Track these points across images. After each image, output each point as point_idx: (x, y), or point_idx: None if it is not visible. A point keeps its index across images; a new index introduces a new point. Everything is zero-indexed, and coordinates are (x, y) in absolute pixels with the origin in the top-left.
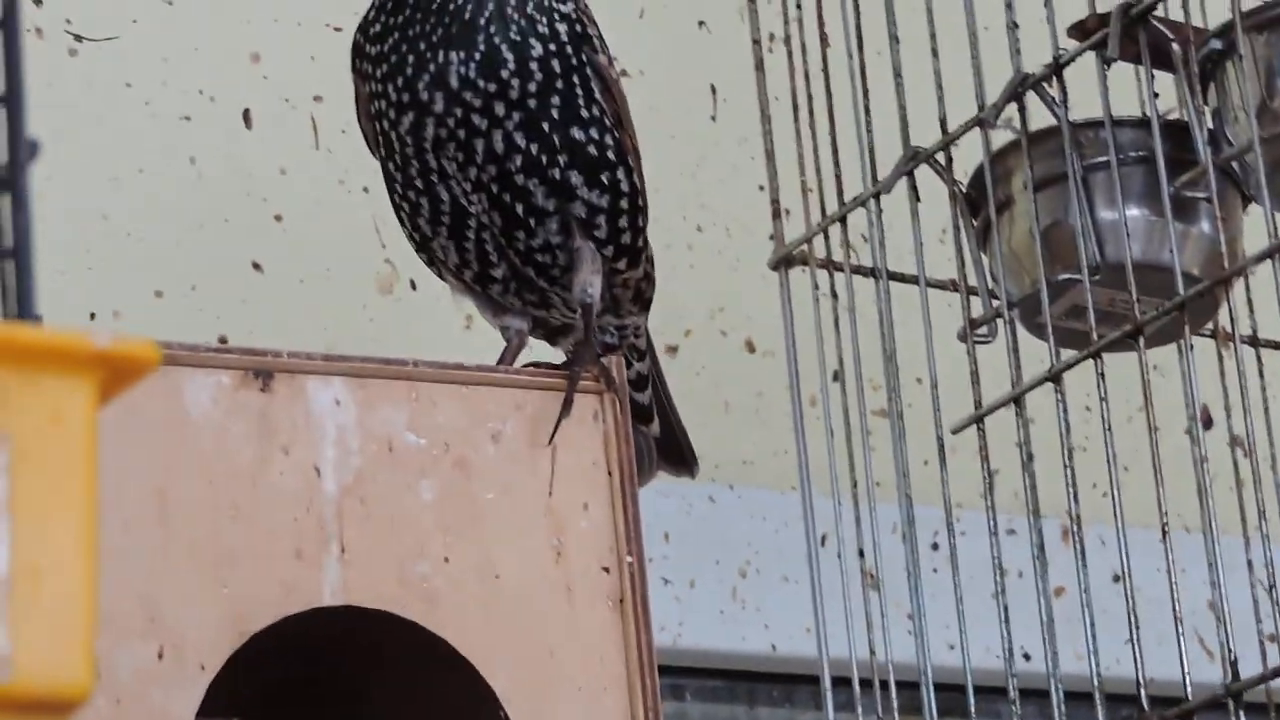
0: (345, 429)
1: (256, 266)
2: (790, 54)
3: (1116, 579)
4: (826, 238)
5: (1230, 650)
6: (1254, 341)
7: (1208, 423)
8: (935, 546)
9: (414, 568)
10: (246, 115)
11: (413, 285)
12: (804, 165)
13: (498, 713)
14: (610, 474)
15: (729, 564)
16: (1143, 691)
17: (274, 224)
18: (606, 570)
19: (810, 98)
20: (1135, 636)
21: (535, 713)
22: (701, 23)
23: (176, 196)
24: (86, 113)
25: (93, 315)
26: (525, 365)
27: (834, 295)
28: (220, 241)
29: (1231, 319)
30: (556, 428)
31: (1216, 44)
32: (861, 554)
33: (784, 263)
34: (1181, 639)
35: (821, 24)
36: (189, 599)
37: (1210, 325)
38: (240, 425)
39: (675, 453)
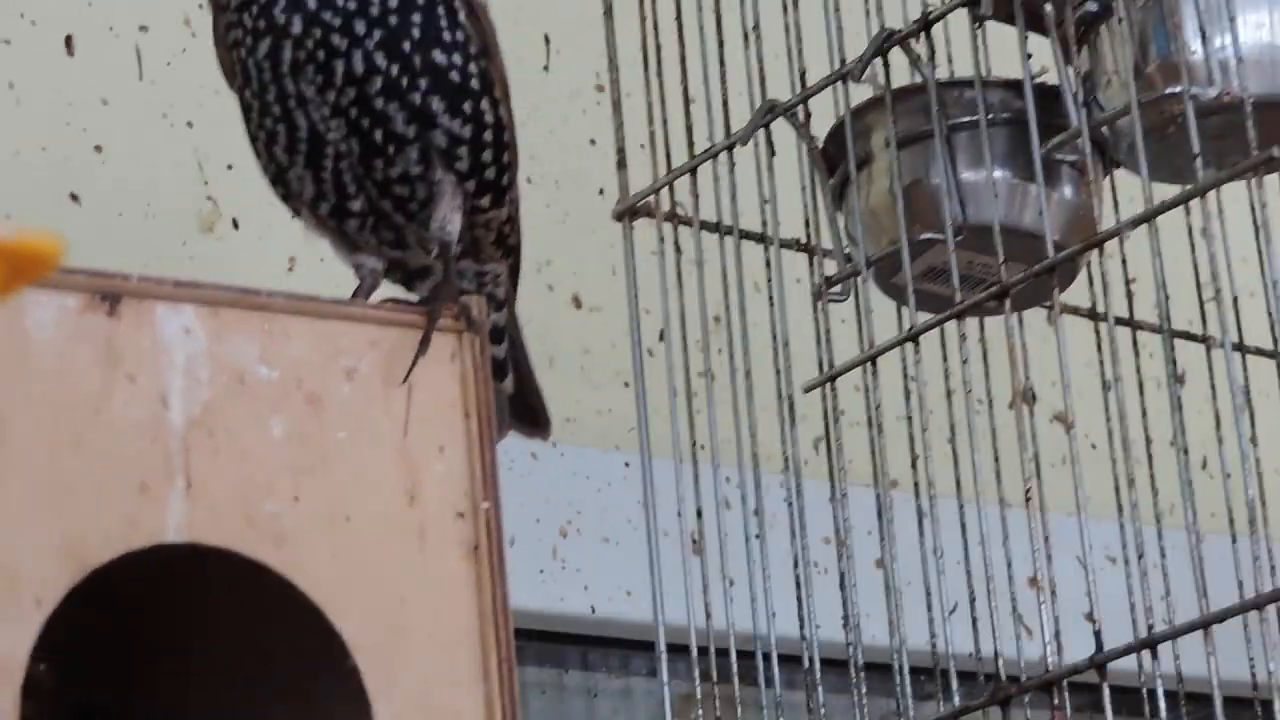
0: (195, 358)
1: (74, 198)
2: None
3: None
4: (672, 191)
5: (1096, 622)
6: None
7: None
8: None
9: (262, 506)
10: (69, 41)
11: (235, 224)
12: (652, 115)
13: (345, 661)
14: (467, 416)
15: (550, 523)
16: (1000, 663)
17: (94, 155)
18: (461, 516)
19: (659, 47)
20: (992, 610)
21: (384, 660)
22: None
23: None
24: None
25: None
26: (383, 301)
27: (678, 250)
28: (37, 170)
29: (1105, 287)
30: (413, 366)
31: (1093, 6)
32: (700, 514)
33: (628, 214)
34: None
35: None
36: (25, 530)
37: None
38: (85, 350)
39: (529, 412)
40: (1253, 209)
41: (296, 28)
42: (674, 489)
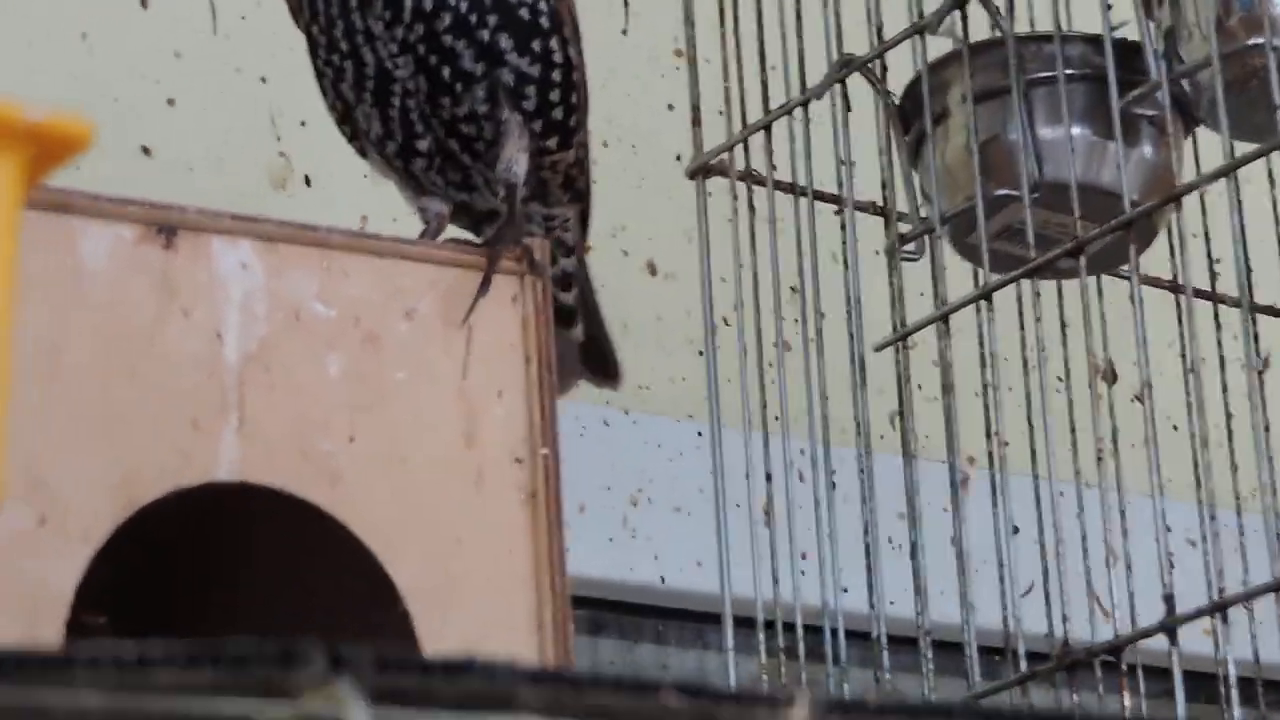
0: (251, 294)
1: (145, 150)
2: None
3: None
4: (747, 149)
5: (1167, 585)
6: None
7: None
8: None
9: (317, 444)
10: None
11: (307, 181)
12: (728, 73)
13: (396, 605)
14: (528, 360)
15: (620, 491)
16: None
17: (166, 108)
18: (519, 461)
19: (736, 5)
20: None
21: (437, 606)
22: None
23: (65, 72)
24: None
25: None
26: (444, 241)
27: (751, 209)
28: (109, 122)
29: (1183, 252)
30: (473, 307)
31: None
32: (769, 478)
33: (701, 172)
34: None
35: None
36: (75, 464)
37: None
38: (139, 282)
39: (599, 360)
40: None
41: None
42: (743, 459)
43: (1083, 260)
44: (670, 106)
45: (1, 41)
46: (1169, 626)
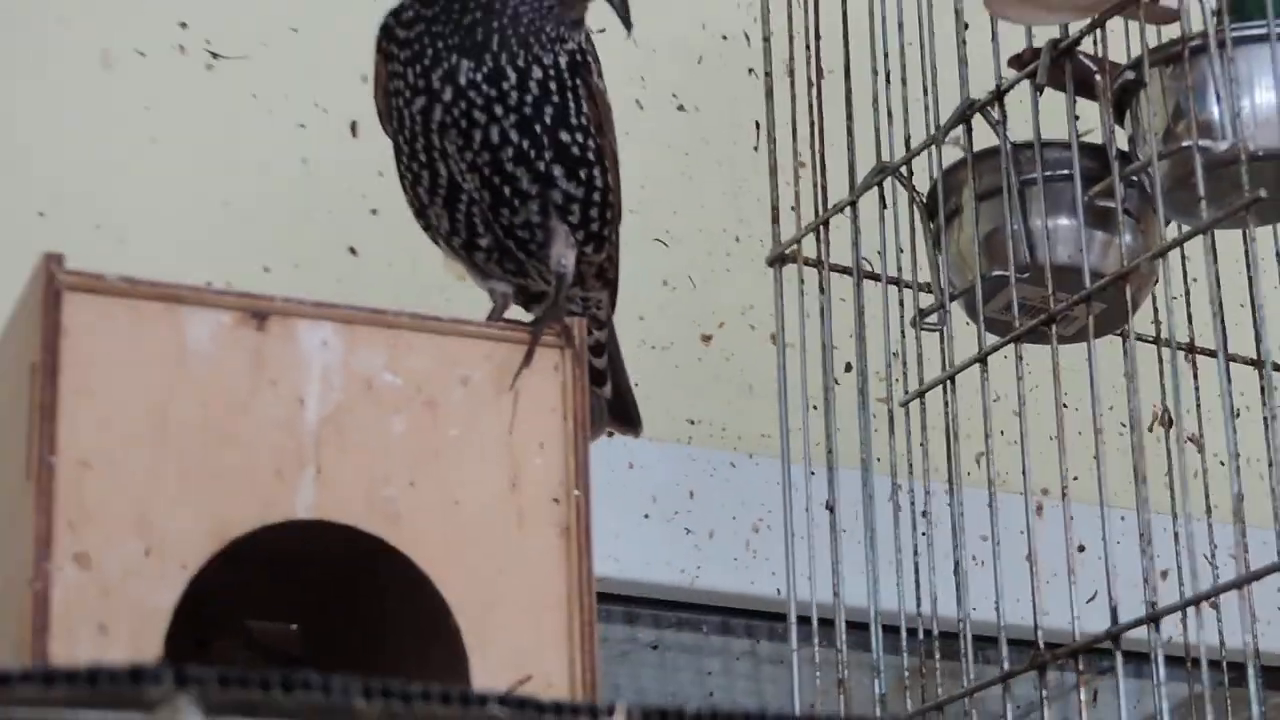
0: (330, 367)
1: (353, 251)
2: (793, 85)
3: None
4: (818, 239)
5: (1112, 599)
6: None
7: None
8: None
9: (381, 491)
10: (354, 126)
11: None
12: (799, 178)
13: (448, 622)
14: (565, 419)
15: (744, 520)
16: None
17: (370, 216)
18: (556, 501)
19: (811, 123)
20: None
21: (482, 623)
22: (750, 69)
23: (289, 190)
24: (218, 117)
25: (209, 283)
26: (496, 321)
27: (821, 290)
28: (323, 228)
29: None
30: (518, 374)
31: (1130, 75)
32: (830, 509)
33: (779, 260)
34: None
35: (819, 61)
36: (177, 507)
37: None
38: (236, 358)
39: (623, 413)
40: (1244, 242)
41: (447, 95)
42: (859, 493)
43: (1054, 328)
44: (793, 208)
45: (240, 166)
46: (1113, 634)
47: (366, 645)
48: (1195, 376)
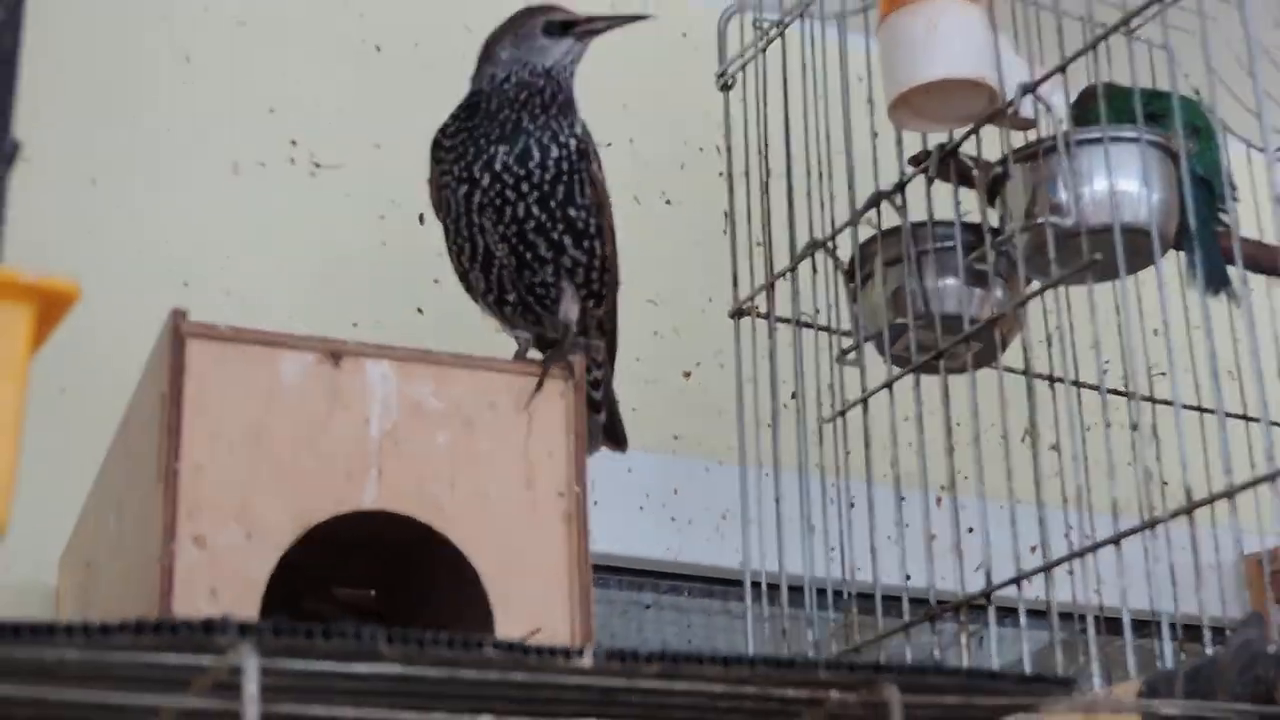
0: (388, 395)
1: (420, 310)
2: (747, 184)
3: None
4: (768, 297)
5: (986, 563)
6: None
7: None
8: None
9: (429, 488)
10: (421, 217)
11: None
12: (751, 253)
13: (478, 587)
14: (568, 433)
15: (715, 510)
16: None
17: (433, 284)
18: (561, 495)
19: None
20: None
21: (505, 587)
22: (720, 172)
23: (372, 265)
24: (319, 211)
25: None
26: (518, 359)
27: (769, 336)
28: (396, 291)
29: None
30: (530, 399)
31: (999, 169)
32: (777, 501)
33: (738, 313)
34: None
35: (767, 164)
36: (270, 501)
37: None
38: (316, 388)
39: (614, 435)
40: (1089, 296)
41: (485, 181)
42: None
43: (942, 362)
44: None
45: (336, 250)
46: (986, 593)
47: (420, 604)
48: (1054, 399)
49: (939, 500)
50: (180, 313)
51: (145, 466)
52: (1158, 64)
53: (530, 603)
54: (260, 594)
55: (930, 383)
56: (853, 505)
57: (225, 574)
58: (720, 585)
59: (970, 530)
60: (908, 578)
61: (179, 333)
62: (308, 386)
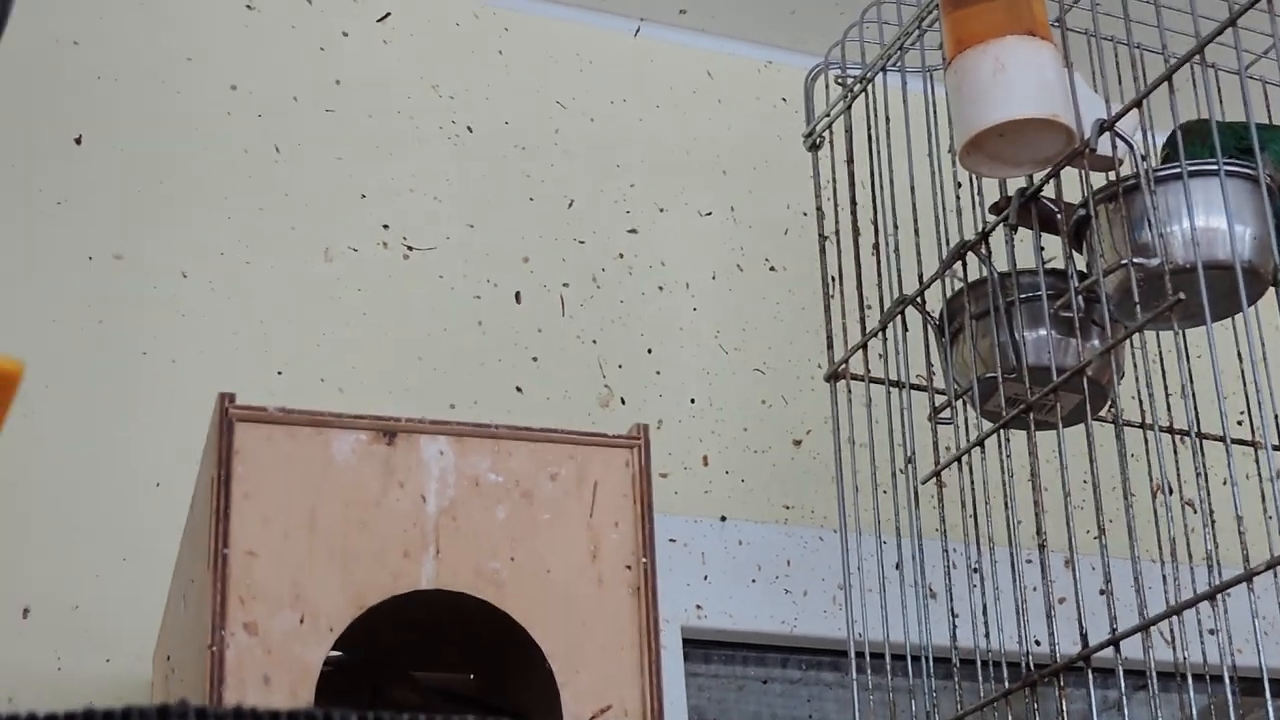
0: (445, 471)
1: (519, 389)
2: (839, 245)
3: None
4: (864, 357)
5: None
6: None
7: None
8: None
9: (488, 564)
10: (518, 295)
11: (622, 401)
12: (845, 312)
13: (544, 667)
14: (635, 502)
15: (831, 580)
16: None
17: (531, 363)
18: (628, 568)
19: (841, 272)
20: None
21: (571, 664)
22: (825, 236)
23: (468, 346)
24: (413, 294)
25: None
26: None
27: (866, 399)
28: (495, 372)
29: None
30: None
31: (1082, 212)
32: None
33: (834, 376)
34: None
35: (856, 224)
36: (325, 583)
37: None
38: (370, 466)
39: None
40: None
41: None
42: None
43: (1031, 415)
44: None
45: (433, 330)
46: (1085, 655)
47: (480, 683)
48: (1175, 452)
49: (1067, 562)
50: (228, 396)
51: (201, 552)
52: (1235, 92)
53: (598, 680)
54: (315, 679)
55: (1044, 438)
56: (977, 569)
57: (279, 660)
58: (831, 656)
59: (1062, 602)
60: (1037, 642)
61: (227, 415)
62: (360, 466)
